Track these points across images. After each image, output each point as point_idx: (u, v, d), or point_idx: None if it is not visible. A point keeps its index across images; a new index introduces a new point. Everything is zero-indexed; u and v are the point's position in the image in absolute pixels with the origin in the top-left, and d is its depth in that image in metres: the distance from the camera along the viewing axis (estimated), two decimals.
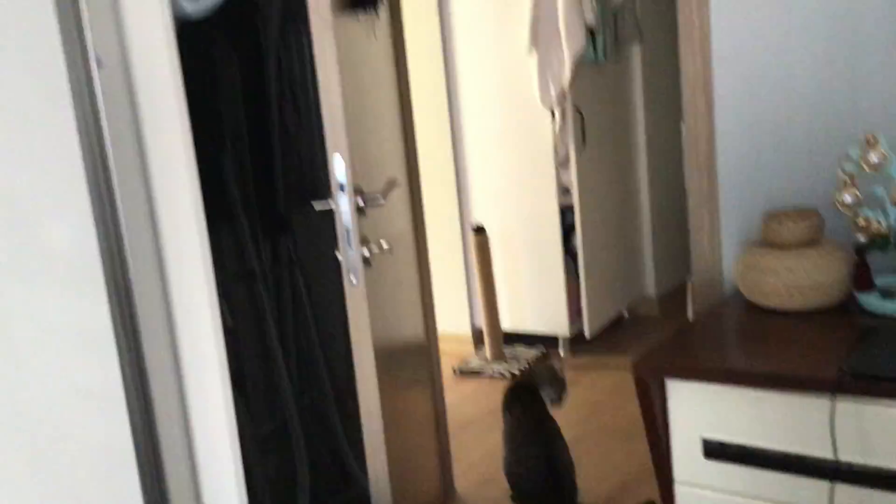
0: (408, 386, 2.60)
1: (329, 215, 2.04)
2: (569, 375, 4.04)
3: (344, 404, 2.75)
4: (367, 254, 1.95)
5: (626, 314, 4.66)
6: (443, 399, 3.12)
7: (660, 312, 4.69)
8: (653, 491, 2.87)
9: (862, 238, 1.75)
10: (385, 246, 2.04)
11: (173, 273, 1.77)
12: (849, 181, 1.75)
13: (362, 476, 2.67)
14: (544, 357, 4.27)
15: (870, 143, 1.70)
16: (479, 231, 4.13)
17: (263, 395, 2.52)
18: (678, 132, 4.60)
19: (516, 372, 4.03)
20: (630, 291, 4.62)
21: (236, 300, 2.42)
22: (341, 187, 1.94)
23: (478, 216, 4.30)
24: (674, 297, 4.75)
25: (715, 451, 1.66)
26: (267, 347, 2.42)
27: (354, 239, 1.92)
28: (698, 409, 1.67)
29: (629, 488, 2.97)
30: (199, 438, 1.81)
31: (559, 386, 2.96)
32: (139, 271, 1.69)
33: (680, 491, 1.73)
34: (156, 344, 1.74)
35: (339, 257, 1.97)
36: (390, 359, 2.22)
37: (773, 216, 1.83)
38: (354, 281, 1.95)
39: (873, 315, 1.73)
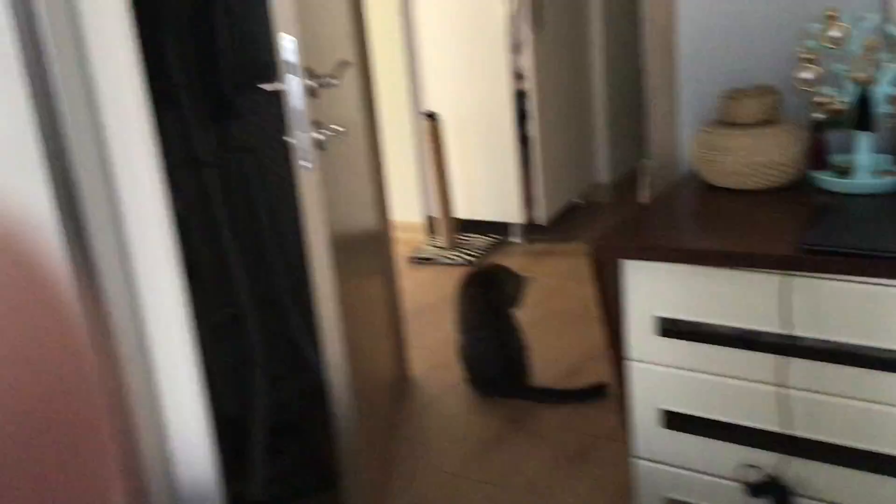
0: (362, 274, 2.58)
1: (280, 98, 1.97)
2: (523, 262, 4.07)
3: (299, 291, 2.74)
4: (319, 137, 1.89)
5: (579, 201, 4.67)
6: (397, 286, 3.12)
7: (613, 199, 4.71)
8: (603, 373, 2.95)
9: (819, 116, 1.75)
10: (338, 129, 1.98)
11: (118, 159, 1.70)
12: (808, 58, 1.73)
13: (318, 362, 2.69)
14: (496, 244, 4.28)
15: (831, 19, 1.67)
16: (431, 117, 4.06)
17: (217, 283, 2.49)
18: (636, 13, 4.52)
19: (471, 259, 4.04)
20: (584, 178, 4.62)
21: (185, 188, 2.35)
22: (291, 68, 1.87)
23: (430, 103, 4.21)
24: (627, 183, 4.77)
25: (667, 328, 1.69)
26: (218, 235, 2.38)
27: (306, 121, 1.86)
28: (652, 289, 1.69)
29: (580, 370, 3.03)
30: (153, 329, 1.79)
31: (519, 289, 2.98)
32: (80, 158, 1.62)
33: (633, 367, 1.76)
34: (102, 235, 1.68)
35: (291, 141, 1.91)
36: (344, 246, 2.19)
37: (731, 94, 1.81)
38: (307, 165, 1.90)
39: (828, 193, 1.74)
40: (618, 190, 4.74)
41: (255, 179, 2.48)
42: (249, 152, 2.46)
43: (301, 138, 1.88)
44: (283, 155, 2.59)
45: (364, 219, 2.70)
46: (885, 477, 1.55)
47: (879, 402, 1.51)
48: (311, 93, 1.87)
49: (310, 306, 2.79)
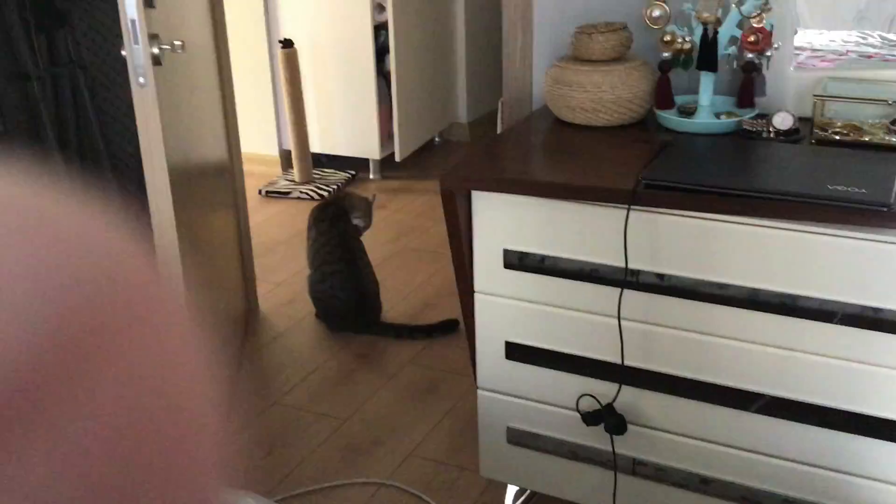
0: (208, 205, 2.47)
1: (114, 8, 1.82)
2: (378, 198, 4.03)
3: (139, 219, 2.60)
4: (156, 51, 1.77)
5: (437, 139, 4.65)
6: (246, 220, 3.02)
7: (470, 138, 4.71)
8: (455, 309, 2.97)
9: (666, 55, 1.77)
10: (177, 43, 1.86)
11: None
12: None
13: None
14: (352, 179, 4.21)
15: None
16: (287, 44, 3.91)
17: None
18: None
19: (325, 194, 3.96)
20: (442, 116, 4.60)
21: (8, 104, 2.16)
22: None
23: (287, 31, 4.05)
24: (485, 123, 4.78)
25: (514, 261, 1.69)
26: (45, 156, 2.21)
27: (141, 33, 1.73)
28: (501, 221, 1.68)
29: (431, 306, 3.04)
30: None
31: (367, 213, 2.93)
32: None
33: (479, 300, 1.76)
34: None
35: (125, 54, 1.77)
36: (187, 174, 2.08)
37: (583, 30, 1.81)
38: (142, 81, 1.77)
39: (672, 131, 1.78)
40: (475, 129, 4.74)
41: (87, 97, 2.31)
42: (82, 67, 2.29)
43: (135, 51, 1.76)
44: (120, 68, 2.43)
45: (211, 148, 2.57)
46: (712, 406, 1.62)
47: (707, 334, 1.57)
48: (147, 2, 1.74)
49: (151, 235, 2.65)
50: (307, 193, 3.99)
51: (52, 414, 0.24)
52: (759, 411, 1.58)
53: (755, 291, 1.50)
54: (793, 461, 1.58)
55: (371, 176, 4.23)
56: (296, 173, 4.12)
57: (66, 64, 2.25)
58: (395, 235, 3.63)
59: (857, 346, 1.46)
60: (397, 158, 4.18)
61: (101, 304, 0.26)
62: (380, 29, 4.01)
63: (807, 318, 1.47)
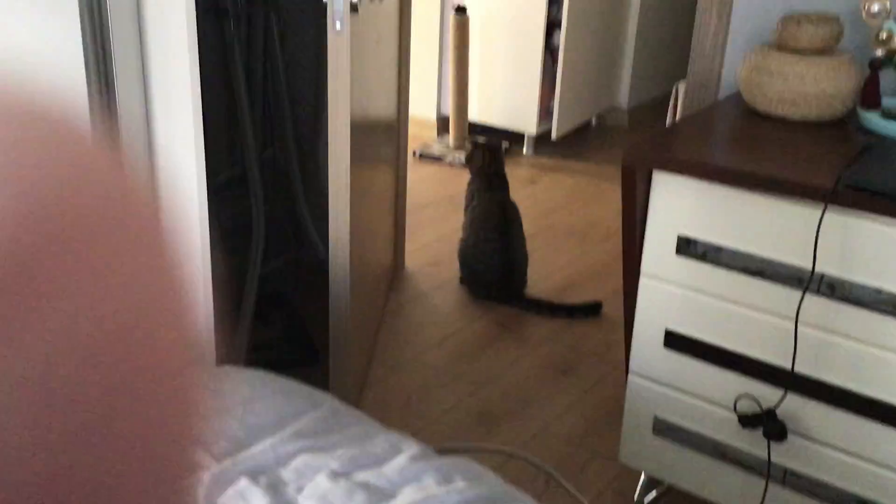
0: (374, 159, 2.51)
1: None
2: (530, 174, 4.01)
3: (307, 164, 2.67)
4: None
5: (594, 121, 4.58)
6: (405, 179, 3.06)
7: (628, 124, 4.62)
8: (598, 292, 2.93)
9: (879, 52, 1.67)
10: None
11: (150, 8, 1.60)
12: None
13: (317, 239, 2.64)
14: (505, 152, 4.20)
15: None
16: (461, 11, 3.92)
17: (224, 140, 2.41)
18: None
19: None
20: (603, 99, 4.52)
21: (203, 37, 2.25)
22: None
23: None
24: (645, 110, 4.67)
25: (688, 248, 1.64)
26: (232, 91, 2.29)
27: None
28: (679, 205, 1.64)
29: (574, 287, 3.01)
30: (166, 179, 1.72)
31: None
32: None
33: (644, 283, 1.73)
34: (127, 81, 1.60)
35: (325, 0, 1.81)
36: (362, 126, 2.12)
37: (793, 18, 1.73)
38: (339, 26, 1.81)
39: (872, 134, 1.68)
40: (634, 116, 4.64)
41: (276, 37, 2.38)
42: (274, 7, 2.35)
43: None
44: (309, 14, 2.48)
45: (384, 104, 2.61)
46: (881, 425, 1.53)
47: (887, 349, 1.49)
48: None
49: (316, 180, 2.72)
50: (460, 160, 4.01)
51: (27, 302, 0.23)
52: None
53: None
54: None
55: (524, 151, 4.21)
56: (451, 139, 4.14)
57: (262, 4, 2.32)
58: (544, 212, 3.60)
59: None
60: (554, 136, 4.14)
61: (73, 202, 0.25)
62: (553, 3, 3.96)
63: None
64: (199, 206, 1.71)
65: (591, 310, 2.82)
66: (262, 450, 1.18)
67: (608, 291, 2.95)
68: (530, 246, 2.96)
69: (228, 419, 1.22)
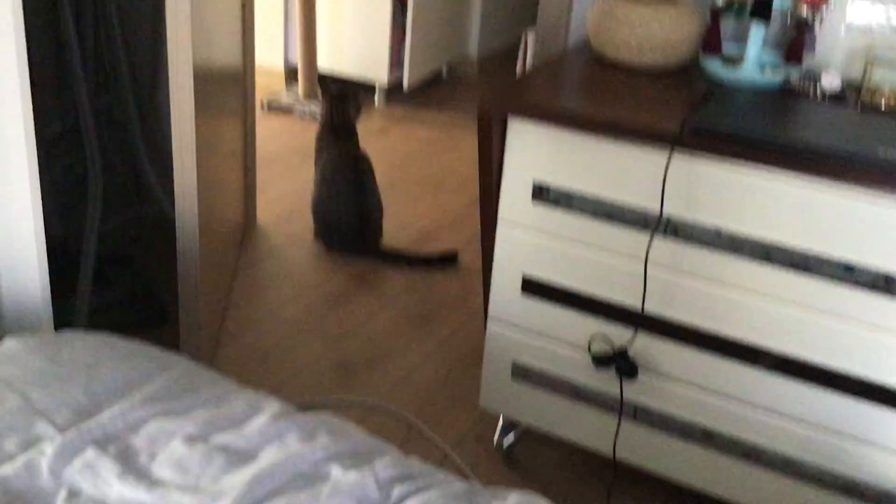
0: (220, 111, 2.40)
1: None
2: (382, 125, 3.96)
3: (146, 115, 2.52)
4: None
5: (444, 72, 4.56)
6: (254, 132, 2.95)
7: (478, 73, 4.63)
8: (455, 242, 2.94)
9: (720, 1, 1.72)
10: None
11: None
12: None
13: (161, 194, 2.51)
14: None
15: None
16: None
17: (54, 91, 2.23)
18: None
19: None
20: (452, 49, 4.51)
21: None
22: None
23: None
24: (494, 59, 4.70)
25: (543, 194, 1.66)
26: (61, 36, 2.11)
27: None
28: (534, 152, 1.65)
29: (430, 237, 3.01)
30: None
31: (358, 103, 2.90)
32: None
33: (502, 230, 1.73)
34: None
35: None
36: (205, 76, 2.01)
37: None
38: None
39: (714, 80, 1.74)
40: (484, 65, 4.66)
41: None
42: None
43: None
44: None
45: (228, 52, 2.49)
46: (725, 359, 1.61)
47: (729, 285, 1.56)
48: None
49: (158, 131, 2.58)
50: (310, 112, 3.91)
51: None
52: (769, 367, 1.58)
53: (782, 248, 1.48)
54: (799, 421, 1.58)
55: (376, 102, 4.15)
56: (300, 89, 4.03)
57: None
58: (398, 163, 3.57)
59: (878, 312, 1.45)
60: (405, 87, 4.10)
61: None
62: None
63: (826, 277, 1.46)
64: (27, 159, 1.58)
65: (448, 259, 2.83)
66: (110, 417, 1.10)
67: (464, 241, 2.97)
68: (386, 198, 2.93)
69: (70, 387, 1.14)
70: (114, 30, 2.27)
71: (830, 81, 1.67)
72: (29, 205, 1.60)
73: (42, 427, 1.09)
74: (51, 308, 1.71)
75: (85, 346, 1.25)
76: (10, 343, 1.25)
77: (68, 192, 2.28)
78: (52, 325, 1.72)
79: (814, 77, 1.70)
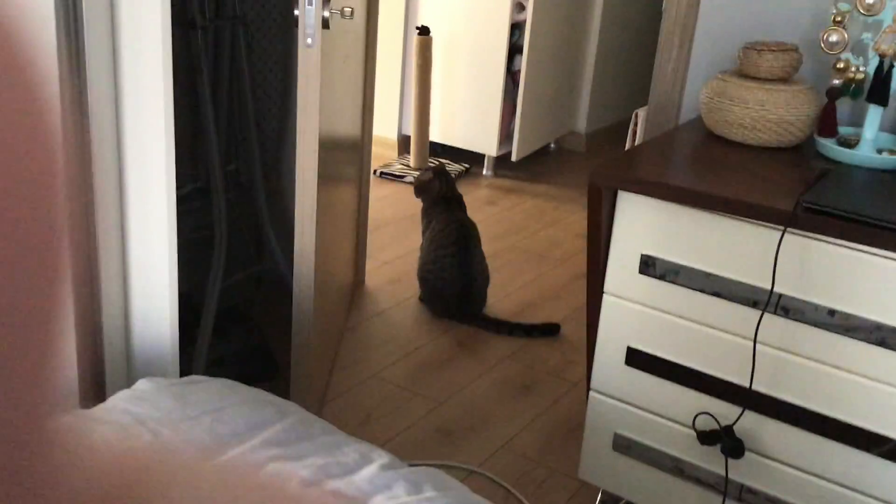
0: (339, 176, 2.52)
1: None
2: (489, 195, 4.05)
3: (270, 179, 2.67)
4: (327, 14, 1.81)
5: (552, 146, 4.64)
6: (367, 197, 3.07)
7: (586, 149, 4.69)
8: (556, 313, 2.96)
9: (837, 82, 1.73)
10: (347, 10, 1.90)
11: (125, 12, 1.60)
12: (839, 21, 1.70)
13: (279, 254, 2.63)
14: (466, 172, 4.23)
15: None
16: (424, 31, 3.96)
17: (189, 153, 2.40)
18: None
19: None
20: (562, 123, 4.59)
21: (172, 50, 2.24)
22: None
23: (425, 18, 4.11)
24: (602, 136, 4.75)
25: (650, 267, 1.68)
26: (198, 104, 2.28)
27: None
28: (643, 225, 1.67)
29: (532, 307, 3.04)
30: (133, 183, 1.70)
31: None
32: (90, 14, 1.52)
33: (607, 301, 1.76)
34: (99, 80, 1.59)
35: (296, 13, 1.82)
36: (328, 143, 2.12)
37: (754, 46, 1.78)
38: (310, 41, 1.82)
39: (829, 160, 1.74)
40: (592, 141, 4.72)
41: (243, 51, 2.38)
42: (242, 21, 2.36)
43: (308, 12, 1.80)
44: (276, 30, 2.49)
45: (349, 121, 2.62)
46: (835, 443, 1.57)
47: (841, 368, 1.53)
48: None
49: (279, 195, 2.72)
50: None
51: None
52: (883, 455, 1.53)
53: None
54: None
55: (484, 172, 4.25)
56: (412, 158, 4.17)
57: (230, 18, 2.32)
58: (503, 234, 3.63)
59: None
60: (514, 158, 4.19)
61: None
62: (515, 28, 4.02)
63: None
64: (167, 218, 1.70)
65: (549, 330, 2.84)
66: (231, 458, 1.17)
67: (566, 312, 2.98)
68: (490, 266, 2.99)
69: (197, 427, 1.21)
70: (246, 100, 2.43)
71: None
72: (166, 259, 1.72)
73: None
74: (178, 356, 1.81)
75: (210, 389, 1.32)
76: (144, 384, 1.34)
77: (195, 248, 2.42)
78: (178, 373, 1.82)
79: None
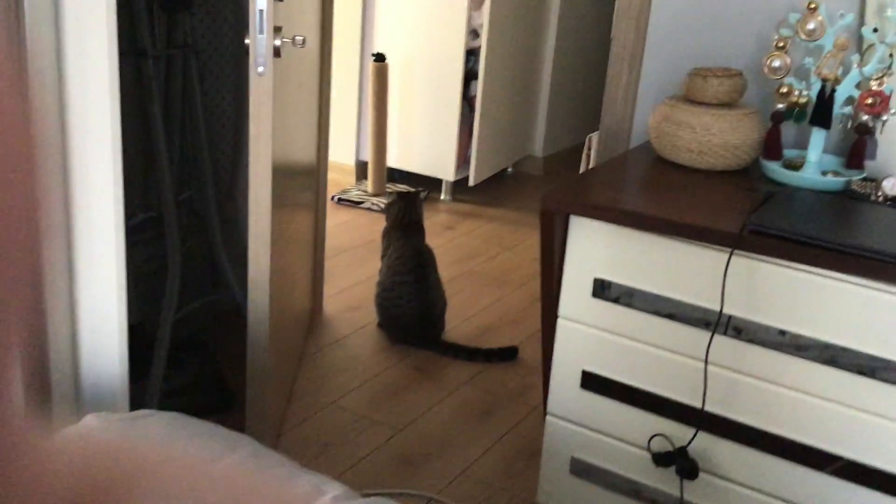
0: (294, 203, 2.51)
1: None
2: (447, 220, 4.05)
3: (224, 208, 2.65)
4: (278, 42, 1.81)
5: (509, 170, 4.67)
6: (324, 224, 3.06)
7: (544, 172, 4.73)
8: (514, 337, 2.97)
9: (781, 106, 1.77)
10: (299, 38, 1.90)
11: (72, 41, 1.58)
12: (781, 46, 1.74)
13: (235, 282, 2.61)
14: (424, 198, 4.24)
15: (811, 11, 1.69)
16: (380, 58, 3.97)
17: (141, 182, 2.37)
18: None
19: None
20: (518, 147, 4.62)
21: (121, 79, 2.22)
22: None
23: (380, 45, 4.12)
24: (560, 159, 4.80)
25: (603, 291, 1.69)
26: (149, 133, 2.26)
27: (268, 23, 1.77)
28: (595, 249, 1.69)
29: (491, 331, 3.04)
30: (81, 212, 1.68)
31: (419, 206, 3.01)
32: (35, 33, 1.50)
33: (562, 325, 1.76)
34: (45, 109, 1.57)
35: (247, 42, 1.82)
36: (282, 170, 2.12)
37: (700, 72, 1.82)
38: (261, 70, 1.82)
39: (774, 182, 1.77)
40: (549, 164, 4.76)
41: (195, 80, 2.37)
42: (193, 50, 2.35)
43: (259, 41, 1.80)
44: (229, 58, 2.49)
45: (303, 149, 2.62)
46: (787, 462, 1.59)
47: (792, 388, 1.55)
48: None
49: (234, 223, 2.70)
50: (378, 205, 4.03)
51: None
52: (834, 473, 1.55)
53: (846, 351, 1.47)
54: None
55: (442, 196, 4.26)
56: (369, 184, 4.17)
57: (181, 46, 2.31)
58: (461, 258, 3.64)
59: None
60: (471, 183, 4.21)
61: None
62: (470, 54, 4.05)
63: (892, 384, 1.45)
64: (115, 247, 1.68)
65: (508, 354, 2.85)
66: None
67: (525, 336, 2.99)
68: (448, 291, 2.98)
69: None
70: (199, 128, 2.42)
71: (892, 185, 1.69)
72: (114, 290, 1.69)
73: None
74: (127, 390, 1.78)
75: (159, 424, 1.30)
76: (92, 420, 1.31)
77: (149, 279, 2.39)
78: (128, 406, 1.79)
79: (876, 181, 1.72)
